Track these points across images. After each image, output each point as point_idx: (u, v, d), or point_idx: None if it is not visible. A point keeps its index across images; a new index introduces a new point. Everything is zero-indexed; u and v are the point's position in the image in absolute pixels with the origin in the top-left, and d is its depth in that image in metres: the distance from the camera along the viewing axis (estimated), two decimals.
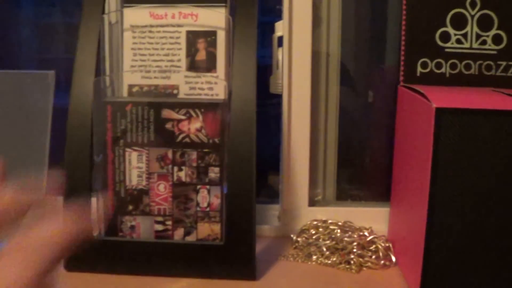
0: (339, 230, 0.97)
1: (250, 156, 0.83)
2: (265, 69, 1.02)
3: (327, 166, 1.09)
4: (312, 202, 1.06)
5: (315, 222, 1.00)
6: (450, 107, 0.73)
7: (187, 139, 0.84)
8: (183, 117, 0.84)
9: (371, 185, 1.13)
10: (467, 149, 0.73)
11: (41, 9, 1.21)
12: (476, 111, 0.73)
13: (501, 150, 0.73)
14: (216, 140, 0.84)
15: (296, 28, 0.98)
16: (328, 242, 0.94)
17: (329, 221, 1.00)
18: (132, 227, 0.86)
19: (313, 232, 0.97)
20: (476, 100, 0.76)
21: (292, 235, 0.98)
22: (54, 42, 1.21)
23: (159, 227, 0.85)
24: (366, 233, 0.95)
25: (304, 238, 0.97)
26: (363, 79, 1.13)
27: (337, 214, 1.02)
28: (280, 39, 0.99)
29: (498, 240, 0.75)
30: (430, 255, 0.76)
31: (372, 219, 1.01)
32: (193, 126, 0.84)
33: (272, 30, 1.01)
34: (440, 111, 0.72)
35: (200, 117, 0.84)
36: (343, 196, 1.11)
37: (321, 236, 0.96)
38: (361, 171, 1.14)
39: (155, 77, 0.91)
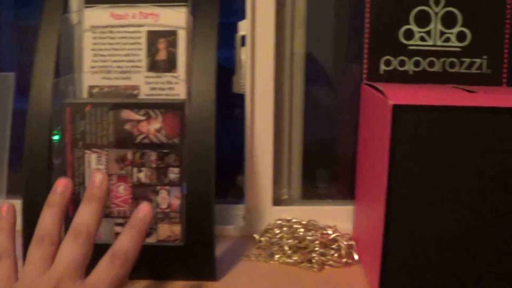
0: (302, 229, 0.96)
1: (210, 156, 0.82)
2: (232, 70, 1.02)
3: (292, 165, 1.09)
4: (277, 202, 1.06)
5: (279, 222, 1.00)
6: (407, 104, 0.73)
7: (146, 140, 0.83)
8: (142, 118, 0.83)
9: (338, 183, 1.13)
10: (424, 146, 0.73)
11: (20, 11, 1.21)
12: (433, 108, 0.73)
13: (458, 146, 0.73)
14: (176, 140, 0.83)
15: (259, 27, 0.98)
16: (290, 241, 0.93)
17: (294, 220, 1.00)
18: None
19: (277, 231, 0.97)
20: (434, 96, 0.76)
21: (255, 235, 0.98)
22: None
23: (119, 229, 0.85)
24: (329, 232, 0.95)
25: (267, 238, 0.96)
26: (330, 77, 1.13)
27: (302, 213, 1.02)
28: (243, 38, 0.99)
29: (455, 237, 0.75)
30: (388, 252, 0.76)
31: (338, 218, 1.01)
32: (153, 127, 0.83)
33: None
34: (396, 108, 0.72)
35: (160, 118, 0.83)
36: (310, 195, 1.11)
37: (285, 236, 0.95)
38: (327, 170, 1.14)
39: (116, 78, 0.90)
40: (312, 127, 1.09)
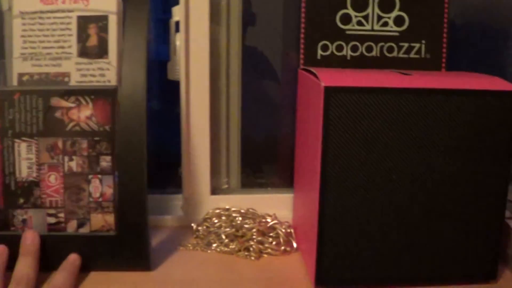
0: (240, 218, 0.95)
1: (141, 144, 0.80)
2: None
3: (230, 153, 1.07)
4: (216, 191, 1.04)
5: (217, 211, 0.98)
6: (339, 85, 0.72)
7: (77, 128, 0.81)
8: (72, 105, 0.81)
9: (278, 171, 1.12)
10: (357, 127, 0.73)
11: None
12: (364, 89, 0.72)
13: (390, 127, 0.73)
14: (107, 127, 0.81)
15: (193, 12, 0.96)
16: (228, 229, 0.92)
17: (232, 209, 0.98)
18: (24, 220, 0.83)
19: (216, 220, 0.96)
20: (367, 79, 0.75)
21: (193, 224, 0.96)
22: None
23: (52, 220, 0.82)
24: (268, 220, 0.94)
25: (205, 227, 0.95)
26: (269, 65, 1.12)
27: (241, 202, 1.01)
28: (178, 24, 0.97)
29: (390, 221, 0.75)
30: (324, 237, 0.75)
31: (278, 206, 1.00)
32: (83, 114, 0.81)
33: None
34: (329, 90, 0.72)
35: (90, 105, 0.81)
36: (250, 184, 1.10)
37: (223, 224, 0.94)
38: (268, 158, 1.13)
39: (46, 65, 0.87)
40: (251, 116, 1.08)
